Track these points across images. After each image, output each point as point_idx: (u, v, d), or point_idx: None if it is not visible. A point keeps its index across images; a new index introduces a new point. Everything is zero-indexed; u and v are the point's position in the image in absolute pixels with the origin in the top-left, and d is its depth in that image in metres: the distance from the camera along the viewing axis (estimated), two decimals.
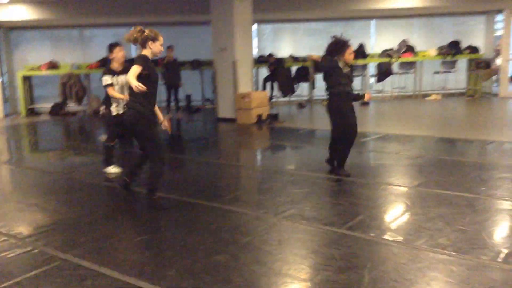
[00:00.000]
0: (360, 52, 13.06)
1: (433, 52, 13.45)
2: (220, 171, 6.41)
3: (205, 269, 3.22)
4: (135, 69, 4.14)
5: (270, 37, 14.93)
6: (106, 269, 3.23)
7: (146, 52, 4.33)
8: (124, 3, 12.24)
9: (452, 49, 13.29)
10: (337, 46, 5.21)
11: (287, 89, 12.78)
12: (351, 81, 5.45)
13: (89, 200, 5.02)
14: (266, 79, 12.98)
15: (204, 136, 9.67)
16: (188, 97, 12.79)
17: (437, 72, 13.53)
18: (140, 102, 4.30)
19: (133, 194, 4.91)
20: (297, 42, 14.61)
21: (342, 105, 5.29)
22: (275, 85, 12.89)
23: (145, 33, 4.29)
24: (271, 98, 12.52)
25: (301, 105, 12.83)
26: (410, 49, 13.33)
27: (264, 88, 12.88)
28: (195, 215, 4.38)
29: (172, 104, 11.74)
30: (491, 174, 5.55)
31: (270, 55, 13.11)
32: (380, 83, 13.38)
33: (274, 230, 3.97)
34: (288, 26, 14.81)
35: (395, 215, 4.31)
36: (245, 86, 10.43)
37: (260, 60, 13.20)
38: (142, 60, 4.22)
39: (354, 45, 12.93)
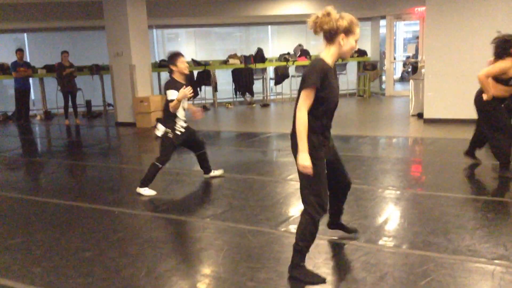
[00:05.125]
0: (259, 56, 13.71)
1: None
2: (111, 174, 6.59)
3: (71, 265, 3.47)
4: (306, 97, 2.74)
5: (173, 41, 15.17)
6: None
7: (329, 51, 2.84)
8: (19, 8, 11.90)
9: None
10: (507, 43, 5.00)
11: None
12: None
13: None
14: None
15: (101, 141, 9.69)
16: (88, 103, 12.69)
17: None
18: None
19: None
20: (200, 46, 14.97)
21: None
22: None
23: (337, 20, 2.80)
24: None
25: (205, 108, 13.19)
26: (304, 53, 14.18)
27: None
28: (73, 217, 4.58)
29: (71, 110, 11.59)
30: (381, 166, 6.04)
31: None
32: (279, 85, 14.09)
33: (146, 225, 4.28)
34: (190, 30, 15.13)
35: (282, 206, 4.74)
36: (143, 90, 10.60)
37: (162, 64, 13.37)
38: (313, 76, 2.75)
39: (253, 50, 13.69)
